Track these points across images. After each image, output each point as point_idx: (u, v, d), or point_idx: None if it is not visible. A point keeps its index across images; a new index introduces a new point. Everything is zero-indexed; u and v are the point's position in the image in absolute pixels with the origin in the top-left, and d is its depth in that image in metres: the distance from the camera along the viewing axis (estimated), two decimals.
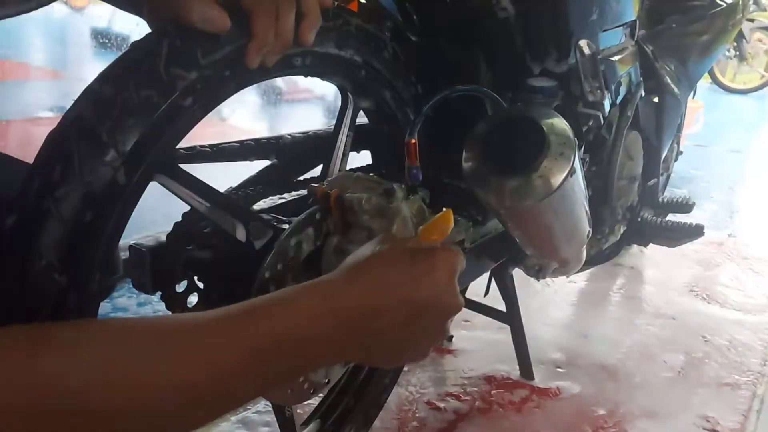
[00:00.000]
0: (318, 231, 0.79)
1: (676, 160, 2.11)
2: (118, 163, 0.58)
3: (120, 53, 0.62)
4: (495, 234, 0.99)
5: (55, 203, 0.56)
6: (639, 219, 1.41)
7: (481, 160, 0.74)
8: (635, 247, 2.05)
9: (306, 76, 0.79)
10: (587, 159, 1.26)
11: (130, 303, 1.59)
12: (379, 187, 0.79)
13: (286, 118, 3.64)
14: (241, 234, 0.76)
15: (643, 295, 1.93)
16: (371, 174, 1.01)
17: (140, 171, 0.61)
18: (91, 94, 0.59)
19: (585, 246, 0.97)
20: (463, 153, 0.76)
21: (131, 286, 0.84)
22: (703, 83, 5.91)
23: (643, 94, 1.47)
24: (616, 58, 1.20)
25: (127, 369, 0.42)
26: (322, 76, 0.82)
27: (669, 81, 1.52)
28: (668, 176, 2.15)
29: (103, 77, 0.60)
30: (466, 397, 1.36)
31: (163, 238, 0.82)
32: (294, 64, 0.73)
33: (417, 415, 1.28)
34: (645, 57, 1.44)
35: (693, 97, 2.03)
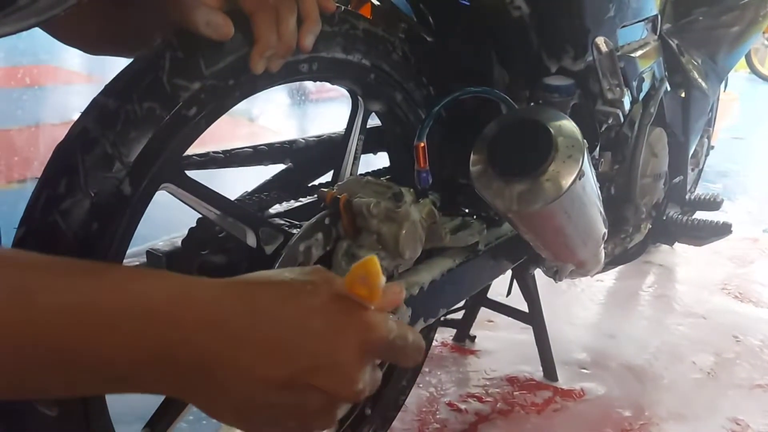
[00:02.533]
0: (327, 236, 0.79)
1: (707, 156, 2.06)
2: (123, 175, 0.59)
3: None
4: (511, 235, 0.98)
5: (61, 215, 0.57)
6: (664, 217, 1.38)
7: (489, 163, 0.73)
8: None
9: (314, 81, 0.79)
10: (609, 157, 1.24)
11: None
12: (388, 191, 0.79)
13: (314, 117, 3.66)
14: (251, 240, 0.77)
15: (673, 293, 1.89)
16: (382, 178, 1.01)
17: (146, 181, 0.62)
18: (95, 106, 0.60)
19: (602, 247, 0.96)
20: (471, 156, 0.75)
21: None
22: (742, 73, 5.75)
23: (669, 89, 1.44)
24: (636, 54, 1.18)
25: None
26: (330, 80, 0.82)
27: (696, 75, 1.48)
28: (699, 172, 2.10)
29: (108, 90, 0.61)
30: (488, 399, 1.35)
31: (179, 243, 0.84)
32: (300, 70, 0.73)
33: (438, 416, 1.28)
34: (670, 51, 1.41)
35: (725, 90, 1.98)
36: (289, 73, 0.72)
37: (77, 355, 0.36)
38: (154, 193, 0.65)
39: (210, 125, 0.67)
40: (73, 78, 3.76)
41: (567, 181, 0.69)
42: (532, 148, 0.71)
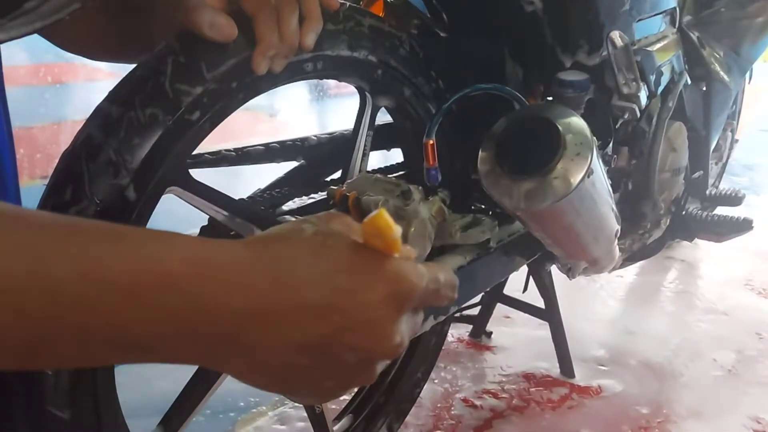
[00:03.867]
0: None
1: (731, 149, 2.03)
2: (127, 181, 0.60)
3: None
4: (524, 232, 0.97)
5: None
6: (684, 212, 1.36)
7: (496, 161, 0.73)
8: None
9: (319, 79, 0.79)
10: (626, 152, 1.22)
11: None
12: (396, 189, 0.79)
13: (333, 112, 3.66)
14: None
15: (695, 289, 1.86)
16: (396, 174, 1.01)
17: (151, 186, 0.62)
18: (99, 113, 0.61)
19: (615, 244, 0.95)
20: (479, 153, 0.75)
21: None
22: None
23: (689, 82, 1.42)
24: (654, 47, 1.16)
25: None
26: (337, 78, 0.82)
27: (717, 68, 1.46)
28: (724, 166, 2.07)
29: (111, 96, 0.61)
30: (504, 395, 1.34)
31: None
32: (304, 69, 0.73)
33: (452, 412, 1.28)
34: (690, 44, 1.39)
35: (749, 82, 1.94)
36: (293, 73, 0.72)
37: (94, 326, 0.34)
38: (159, 197, 0.65)
39: (214, 128, 0.67)
40: (95, 74, 3.80)
41: (575, 179, 0.68)
42: (540, 146, 0.71)
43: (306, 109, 3.73)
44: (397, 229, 0.39)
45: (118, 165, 0.59)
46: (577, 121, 0.71)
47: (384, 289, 0.38)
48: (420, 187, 0.79)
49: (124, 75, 0.64)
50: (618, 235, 0.90)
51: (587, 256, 0.91)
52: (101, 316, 0.34)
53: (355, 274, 0.38)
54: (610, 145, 1.03)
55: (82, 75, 3.91)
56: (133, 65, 0.64)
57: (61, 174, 0.60)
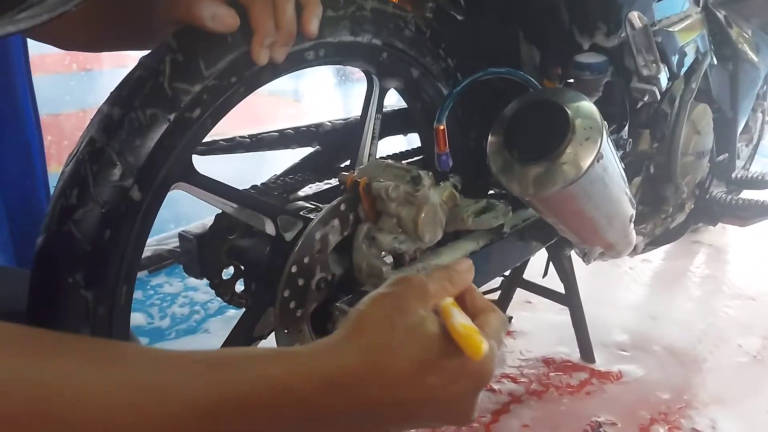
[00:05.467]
0: (344, 221, 0.80)
1: (762, 131, 1.98)
2: (131, 182, 0.61)
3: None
4: (538, 217, 0.97)
5: (75, 225, 0.59)
6: (707, 196, 1.34)
7: (505, 145, 0.72)
8: None
9: (324, 65, 0.79)
10: (647, 135, 1.20)
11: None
12: (407, 174, 0.79)
13: (359, 96, 3.66)
14: (270, 228, 0.78)
15: (722, 274, 1.83)
16: (408, 160, 1.01)
17: (155, 185, 0.63)
18: (101, 116, 0.61)
19: (631, 228, 0.93)
20: (488, 138, 0.74)
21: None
22: None
23: (715, 62, 1.38)
24: (676, 28, 1.13)
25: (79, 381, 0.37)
26: (342, 63, 0.82)
27: (745, 47, 1.42)
28: (755, 147, 2.01)
29: (111, 99, 0.62)
30: (523, 379, 1.34)
31: (209, 227, 0.86)
32: (306, 58, 0.72)
33: None
34: (716, 23, 1.35)
35: None
36: (294, 62, 0.72)
37: None
38: (165, 195, 0.66)
39: (216, 123, 0.67)
40: (122, 61, 3.85)
41: (584, 164, 0.67)
42: (550, 130, 0.70)
43: (330, 94, 3.74)
44: (485, 347, 0.46)
45: (121, 167, 0.60)
46: (587, 106, 0.70)
47: (468, 385, 0.47)
48: (430, 173, 0.79)
49: None
50: (633, 219, 0.89)
51: (601, 240, 0.90)
52: (242, 427, 0.41)
53: (445, 372, 0.46)
54: (626, 128, 1.01)
55: (107, 62, 3.96)
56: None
57: (66, 177, 0.61)
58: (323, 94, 3.68)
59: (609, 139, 0.72)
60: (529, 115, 0.73)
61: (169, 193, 0.70)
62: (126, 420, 0.37)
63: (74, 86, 3.33)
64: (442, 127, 0.79)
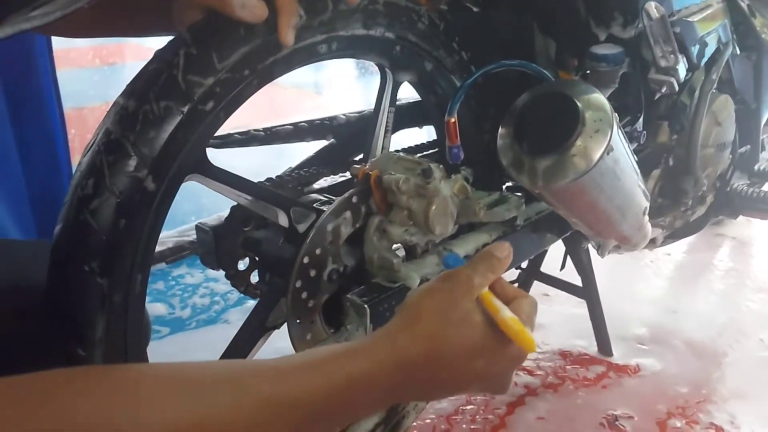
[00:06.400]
0: (356, 213, 0.81)
1: None
2: (146, 173, 0.62)
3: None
4: (552, 210, 0.96)
5: (91, 214, 0.61)
6: (728, 189, 1.32)
7: (515, 137, 0.72)
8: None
9: (336, 59, 0.79)
10: (666, 127, 1.19)
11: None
12: (418, 167, 0.80)
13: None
14: (283, 220, 0.79)
15: (745, 267, 1.80)
16: (423, 153, 1.01)
17: (169, 176, 0.64)
18: (116, 108, 0.63)
19: (646, 221, 0.93)
20: (499, 130, 0.74)
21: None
22: None
23: (738, 52, 1.36)
24: (695, 17, 1.12)
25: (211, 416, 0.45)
26: (354, 57, 0.82)
27: None
28: None
29: (127, 91, 0.63)
30: (539, 372, 1.34)
31: (225, 219, 0.87)
32: (318, 51, 0.73)
33: None
34: (739, 13, 1.33)
35: None
36: (307, 55, 0.72)
37: (341, 417, 0.52)
38: (179, 186, 0.67)
39: (229, 116, 0.68)
40: (142, 54, 3.91)
41: (594, 156, 0.67)
42: (560, 123, 0.70)
43: (351, 86, 3.74)
44: (530, 336, 0.54)
45: (135, 157, 0.61)
46: (598, 98, 0.70)
47: (507, 365, 0.56)
48: (441, 166, 0.79)
49: None
50: (647, 212, 0.88)
51: (615, 233, 0.89)
52: (344, 411, 0.51)
53: (488, 356, 0.54)
54: (640, 120, 1.00)
55: (129, 56, 4.01)
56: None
57: (83, 168, 0.62)
58: (344, 86, 3.68)
59: (620, 132, 0.71)
60: (539, 107, 0.72)
61: (190, 187, 0.71)
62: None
63: (97, 80, 3.38)
64: (453, 120, 0.79)
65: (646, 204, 0.86)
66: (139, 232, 0.64)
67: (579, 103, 0.68)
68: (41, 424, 0.40)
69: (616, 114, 0.71)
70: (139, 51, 3.89)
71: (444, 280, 0.57)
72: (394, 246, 0.84)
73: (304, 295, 0.79)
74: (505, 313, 0.54)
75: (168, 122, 0.62)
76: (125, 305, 0.65)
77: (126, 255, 0.64)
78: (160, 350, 1.42)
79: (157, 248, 1.85)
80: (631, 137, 0.99)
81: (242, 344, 0.81)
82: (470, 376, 0.54)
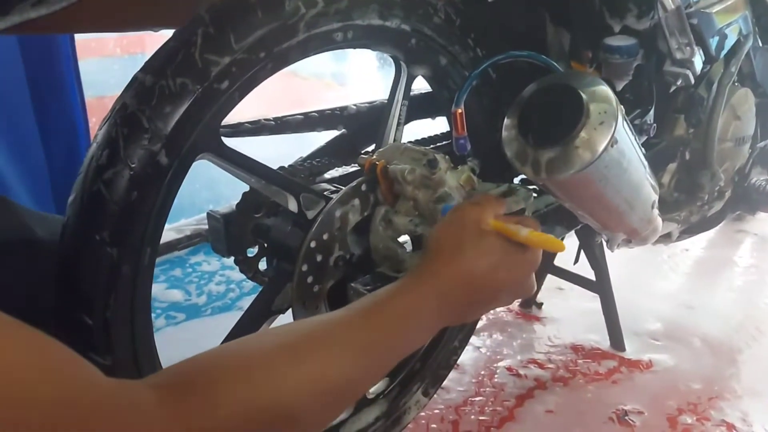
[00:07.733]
0: (365, 201, 0.81)
1: None
2: (159, 146, 0.63)
3: None
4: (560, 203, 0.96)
5: (104, 185, 0.63)
6: (747, 184, 1.30)
7: (519, 129, 0.72)
8: None
9: (351, 48, 0.80)
10: (682, 120, 1.18)
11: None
12: (423, 158, 0.80)
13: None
14: (293, 205, 0.80)
15: (766, 264, 1.77)
16: (435, 144, 1.01)
17: (182, 152, 0.66)
18: (134, 83, 0.64)
19: (655, 214, 0.92)
20: (504, 121, 0.74)
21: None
22: None
23: (759, 45, 1.34)
24: (714, 9, 1.10)
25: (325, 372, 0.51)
26: (369, 47, 0.83)
27: None
28: None
29: (145, 67, 0.65)
30: (550, 365, 1.34)
31: (235, 206, 0.89)
32: (334, 39, 0.74)
33: (495, 380, 1.29)
34: (761, 4, 1.30)
35: None
36: (322, 42, 0.73)
37: (402, 347, 0.59)
38: (191, 163, 0.69)
39: (244, 97, 0.70)
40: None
41: (598, 148, 0.67)
42: (565, 114, 0.69)
43: (373, 77, 3.74)
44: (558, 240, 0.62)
45: (150, 131, 0.63)
46: (603, 90, 0.69)
47: (526, 269, 0.64)
48: (447, 156, 0.80)
49: None
50: (656, 205, 0.88)
51: (623, 226, 0.89)
52: (407, 338, 0.59)
53: (509, 265, 0.62)
54: (651, 113, 0.99)
55: (150, 46, 4.04)
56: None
57: (99, 139, 0.64)
58: (364, 78, 3.68)
59: (626, 124, 0.71)
60: (545, 99, 0.72)
61: (209, 174, 0.72)
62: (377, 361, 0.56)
63: (117, 70, 3.42)
64: (459, 111, 0.79)
65: (655, 197, 0.85)
66: (150, 205, 0.66)
67: (584, 95, 0.68)
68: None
69: (623, 106, 0.70)
70: (160, 41, 3.93)
71: (454, 212, 0.65)
72: (402, 239, 0.85)
73: (310, 279, 0.80)
74: (523, 231, 0.61)
75: (183, 98, 0.64)
76: (134, 276, 0.67)
77: (136, 227, 0.65)
78: (176, 336, 1.44)
79: (176, 236, 1.87)
80: (640, 130, 0.98)
81: (247, 327, 0.82)
82: (497, 287, 0.62)
